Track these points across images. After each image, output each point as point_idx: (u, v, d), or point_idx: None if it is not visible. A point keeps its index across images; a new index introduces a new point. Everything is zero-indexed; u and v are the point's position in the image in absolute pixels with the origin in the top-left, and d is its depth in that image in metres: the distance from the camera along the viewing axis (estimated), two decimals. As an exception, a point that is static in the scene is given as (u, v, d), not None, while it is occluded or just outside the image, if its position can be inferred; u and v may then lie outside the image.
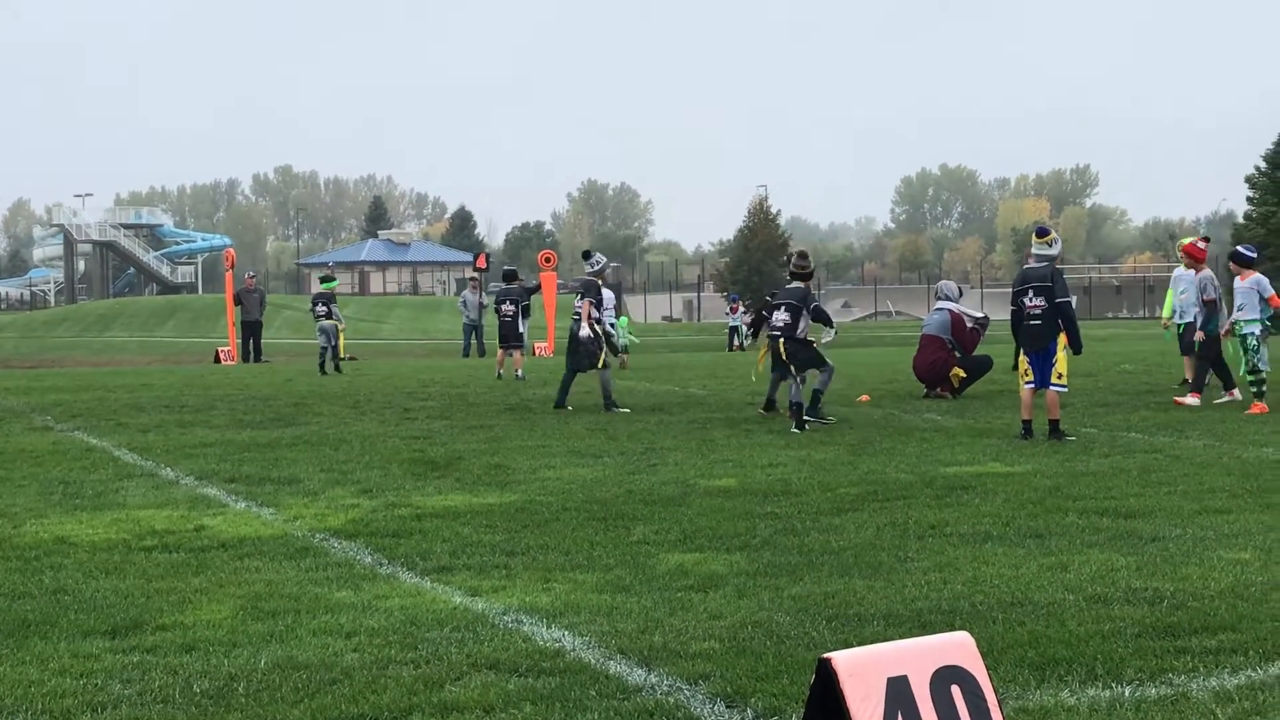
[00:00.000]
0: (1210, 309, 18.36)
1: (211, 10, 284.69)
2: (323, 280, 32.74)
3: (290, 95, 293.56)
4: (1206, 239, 18.72)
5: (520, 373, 26.32)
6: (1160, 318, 21.14)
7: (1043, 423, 14.67)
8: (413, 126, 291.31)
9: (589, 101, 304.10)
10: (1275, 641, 6.28)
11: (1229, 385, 18.03)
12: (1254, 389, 17.06)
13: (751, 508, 10.34)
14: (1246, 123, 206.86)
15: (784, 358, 16.55)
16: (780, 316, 16.78)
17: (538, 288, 41.53)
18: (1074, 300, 14.24)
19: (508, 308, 26.90)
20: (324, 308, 30.25)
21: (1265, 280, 17.18)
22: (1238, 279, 17.37)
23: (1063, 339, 14.27)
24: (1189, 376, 20.27)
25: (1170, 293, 20.77)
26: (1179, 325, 20.39)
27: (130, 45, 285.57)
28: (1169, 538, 8.84)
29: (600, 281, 19.50)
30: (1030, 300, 14.41)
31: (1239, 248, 17.73)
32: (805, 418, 15.87)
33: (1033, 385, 14.50)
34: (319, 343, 30.38)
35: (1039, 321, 14.34)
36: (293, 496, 11.31)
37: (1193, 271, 19.43)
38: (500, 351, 27.03)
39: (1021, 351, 14.77)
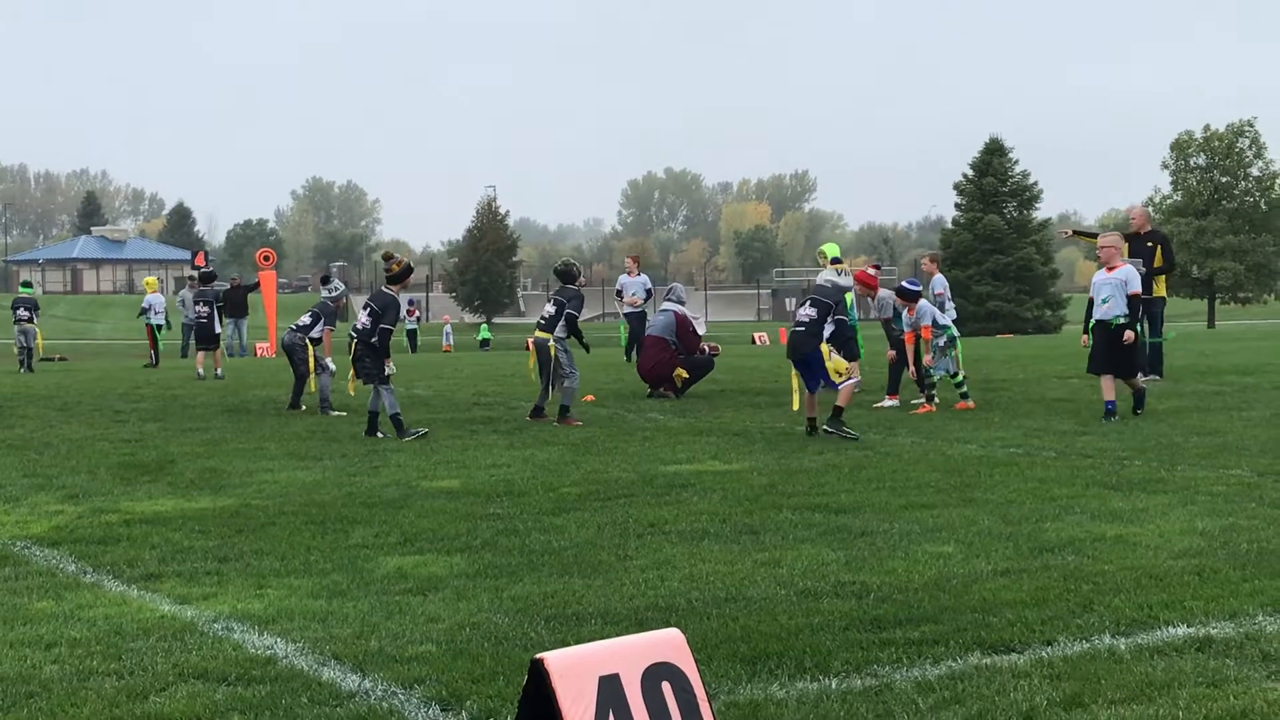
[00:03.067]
0: (886, 326, 19.03)
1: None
2: (23, 285, 35.78)
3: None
4: (877, 266, 19.34)
5: (220, 371, 26.41)
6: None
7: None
8: (129, 119, 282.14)
9: (314, 97, 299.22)
10: (974, 632, 6.52)
11: (892, 390, 18.72)
12: (925, 391, 17.84)
13: (474, 509, 10.30)
14: (954, 132, 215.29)
15: (551, 354, 16.79)
16: (547, 309, 17.30)
17: (255, 286, 40.70)
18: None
19: (202, 308, 27.38)
20: (26, 312, 31.87)
21: (929, 309, 17.89)
22: (905, 312, 18.08)
23: (826, 347, 14.61)
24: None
25: None
26: None
27: None
28: (877, 532, 9.12)
29: (339, 306, 19.60)
30: (804, 309, 14.94)
31: (903, 283, 18.44)
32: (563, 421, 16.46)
33: (809, 392, 14.88)
34: (19, 342, 31.82)
35: (802, 330, 14.79)
36: (-8, 503, 10.81)
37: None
38: (200, 353, 27.23)
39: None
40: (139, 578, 8.01)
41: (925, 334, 17.70)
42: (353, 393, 16.86)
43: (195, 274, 42.31)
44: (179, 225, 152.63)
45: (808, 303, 15.05)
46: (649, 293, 27.41)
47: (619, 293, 27.68)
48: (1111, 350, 15.82)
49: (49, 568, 8.32)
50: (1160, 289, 21.90)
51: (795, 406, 15.22)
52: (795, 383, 15.14)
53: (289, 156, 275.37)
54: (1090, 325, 16.23)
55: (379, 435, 15.32)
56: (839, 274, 15.39)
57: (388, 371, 15.71)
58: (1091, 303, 16.30)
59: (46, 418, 17.94)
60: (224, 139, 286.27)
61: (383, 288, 16.21)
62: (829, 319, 14.75)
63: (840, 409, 14.58)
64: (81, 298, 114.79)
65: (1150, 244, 21.80)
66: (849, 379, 14.65)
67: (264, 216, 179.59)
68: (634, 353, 25.42)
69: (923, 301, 17.91)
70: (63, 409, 19.22)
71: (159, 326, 33.21)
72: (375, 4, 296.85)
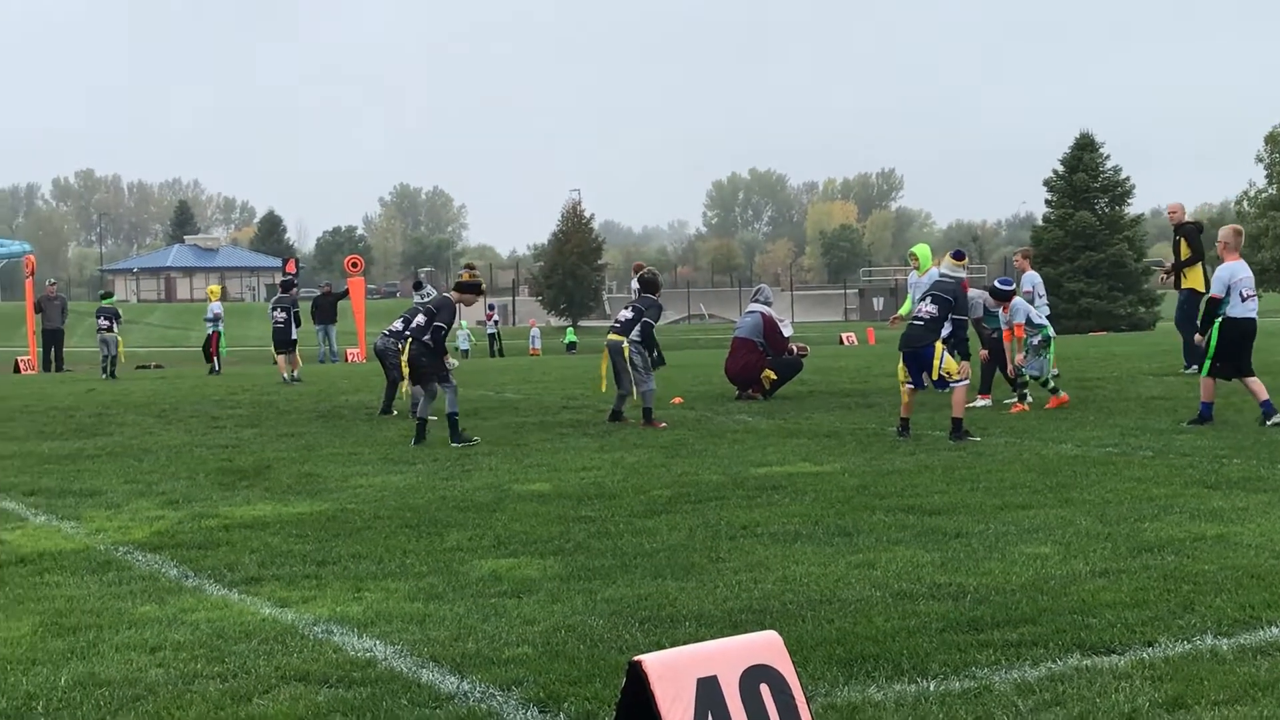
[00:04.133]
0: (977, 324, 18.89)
1: (3, 12, 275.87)
2: (103, 296, 37.30)
3: (91, 97, 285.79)
4: (961, 256, 19.09)
5: (296, 374, 27.15)
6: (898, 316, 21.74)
7: (938, 423, 14.99)
8: (220, 129, 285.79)
9: (401, 104, 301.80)
10: (1074, 634, 6.46)
11: (984, 390, 18.53)
12: (1018, 390, 17.75)
13: (565, 511, 10.34)
14: (1045, 128, 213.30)
15: (625, 356, 16.76)
16: (623, 314, 17.31)
17: (345, 293, 41.14)
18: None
19: (279, 314, 28.49)
20: (106, 321, 33.22)
21: (1023, 307, 17.76)
22: (1000, 310, 17.97)
23: (939, 345, 14.52)
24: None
25: (909, 296, 21.47)
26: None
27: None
28: (972, 534, 9.06)
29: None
30: (925, 306, 14.87)
31: (995, 282, 18.24)
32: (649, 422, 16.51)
33: (911, 386, 14.77)
34: (102, 351, 33.30)
35: (920, 325, 14.72)
36: (95, 509, 11.00)
37: (925, 279, 20.45)
38: (280, 357, 28.00)
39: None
40: (239, 581, 8.12)
41: (1019, 332, 17.57)
42: (405, 394, 16.96)
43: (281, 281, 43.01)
44: (269, 233, 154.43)
45: (928, 299, 14.93)
46: None
47: None
48: None
49: (151, 572, 8.45)
50: (1192, 281, 21.24)
51: (906, 414, 14.86)
52: (903, 382, 14.92)
53: (377, 164, 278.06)
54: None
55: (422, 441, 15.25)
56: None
57: (449, 366, 15.62)
58: None
59: (145, 424, 18.23)
60: (313, 147, 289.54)
61: (444, 292, 16.35)
62: (949, 317, 14.67)
63: (959, 420, 14.46)
64: (175, 305, 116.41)
65: (1177, 237, 21.52)
66: (959, 380, 14.49)
67: (353, 223, 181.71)
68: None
69: (1017, 299, 17.78)
70: (160, 416, 19.53)
71: (219, 334, 33.99)
72: (458, 11, 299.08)
